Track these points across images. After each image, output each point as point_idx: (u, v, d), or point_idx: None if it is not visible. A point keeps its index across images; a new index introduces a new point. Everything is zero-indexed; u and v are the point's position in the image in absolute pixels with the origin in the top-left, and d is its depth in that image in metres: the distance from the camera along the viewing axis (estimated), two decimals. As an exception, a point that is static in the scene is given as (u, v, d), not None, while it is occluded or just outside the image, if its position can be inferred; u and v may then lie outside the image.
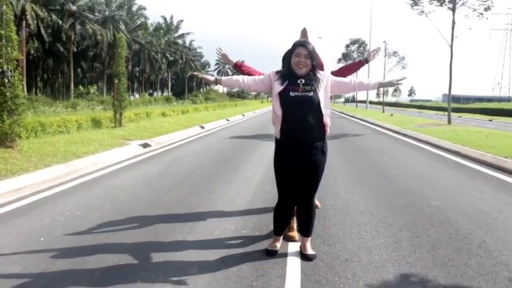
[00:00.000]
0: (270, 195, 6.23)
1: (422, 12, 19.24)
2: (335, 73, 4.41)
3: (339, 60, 64.75)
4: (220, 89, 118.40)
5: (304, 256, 3.81)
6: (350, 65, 4.73)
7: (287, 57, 3.70)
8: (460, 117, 39.99)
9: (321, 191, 6.33)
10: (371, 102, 59.05)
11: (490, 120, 34.72)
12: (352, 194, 6.34)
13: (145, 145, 12.08)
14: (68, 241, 4.23)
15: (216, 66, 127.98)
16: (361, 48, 57.94)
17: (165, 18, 75.75)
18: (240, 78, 3.86)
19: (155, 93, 75.76)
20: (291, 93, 3.59)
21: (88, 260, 3.74)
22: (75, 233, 4.49)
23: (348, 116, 36.16)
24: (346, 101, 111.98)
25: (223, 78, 3.88)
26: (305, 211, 3.90)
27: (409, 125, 19.88)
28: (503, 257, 3.84)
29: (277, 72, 3.76)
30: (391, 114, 32.87)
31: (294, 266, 3.63)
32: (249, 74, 4.46)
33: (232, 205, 5.71)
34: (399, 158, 10.33)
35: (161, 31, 72.53)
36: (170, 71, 77.11)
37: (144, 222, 4.87)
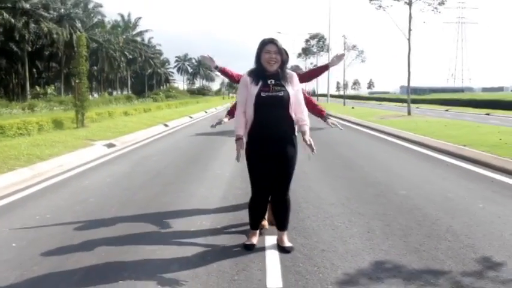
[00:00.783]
0: (241, 191, 6.28)
1: (380, 6, 19.74)
2: (301, 77, 4.50)
3: (299, 55, 65.44)
4: (180, 86, 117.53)
5: (281, 249, 3.89)
6: (314, 70, 4.91)
7: (257, 56, 3.76)
8: (418, 108, 41.24)
9: (291, 184, 6.47)
10: (331, 96, 59.98)
11: (447, 111, 36.00)
12: (322, 187, 6.48)
13: (110, 145, 11.88)
14: (41, 245, 4.13)
15: (176, 63, 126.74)
16: (321, 43, 58.79)
17: (122, 16, 74.16)
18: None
19: (114, 92, 74.08)
20: (262, 94, 3.67)
21: (65, 263, 3.68)
22: (49, 236, 4.39)
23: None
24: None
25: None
26: (280, 205, 3.98)
27: (370, 117, 20.37)
28: (469, 240, 4.04)
29: (249, 74, 3.81)
30: (353, 107, 33.55)
31: (273, 258, 3.69)
32: (233, 80, 4.58)
33: (205, 202, 5.72)
34: (364, 150, 10.61)
35: (119, 29, 70.99)
36: (129, 70, 75.57)
37: (118, 223, 4.81)
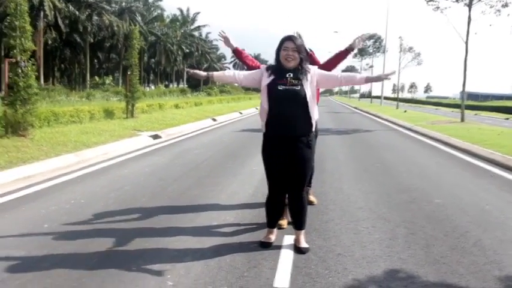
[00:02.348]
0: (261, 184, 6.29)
1: (438, 8, 19.00)
2: (324, 65, 4.42)
3: (355, 56, 64.25)
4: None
5: (297, 249, 3.88)
6: (337, 55, 4.64)
7: (276, 52, 3.76)
8: (476, 114, 39.45)
9: (323, 186, 6.42)
10: (386, 98, 58.46)
11: (507, 119, 34.20)
12: (354, 190, 6.37)
13: (155, 136, 12.23)
14: (70, 228, 4.37)
15: (232, 59, 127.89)
16: (377, 43, 57.50)
17: (181, 10, 75.86)
18: (231, 73, 3.95)
19: (171, 85, 76.04)
20: (279, 87, 3.67)
21: (88, 246, 3.86)
22: (78, 220, 4.62)
23: (361, 111, 35.95)
24: (362, 96, 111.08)
25: (215, 73, 3.96)
26: (295, 203, 3.96)
27: (421, 122, 19.70)
28: (496, 256, 3.85)
29: (267, 67, 3.83)
30: (405, 111, 32.56)
31: (286, 258, 3.69)
32: (246, 63, 4.61)
33: (234, 197, 5.79)
34: (406, 155, 10.30)
35: (177, 23, 72.68)
36: (186, 63, 77.25)
37: (145, 212, 4.98)
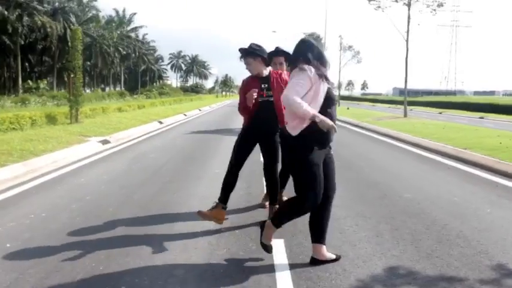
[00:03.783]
0: (243, 192, 6.14)
1: (379, 7, 19.66)
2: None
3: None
4: (173, 83, 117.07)
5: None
6: None
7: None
8: (411, 110, 41.25)
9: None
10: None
11: (440, 113, 36.07)
12: (324, 188, 6.33)
13: (104, 141, 11.67)
14: (37, 246, 3.96)
15: (170, 61, 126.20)
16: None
17: (117, 11, 73.71)
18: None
19: (107, 88, 73.55)
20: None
21: (63, 267, 3.50)
22: (44, 237, 4.22)
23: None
24: None
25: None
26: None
27: (366, 118, 20.32)
28: (482, 246, 3.93)
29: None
30: (348, 108, 33.51)
31: (282, 263, 3.55)
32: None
33: (205, 202, 5.53)
34: (362, 151, 10.50)
35: (113, 24, 70.51)
36: (123, 66, 75.08)
37: (117, 223, 4.65)
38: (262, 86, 4.53)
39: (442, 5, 18.25)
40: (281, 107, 4.29)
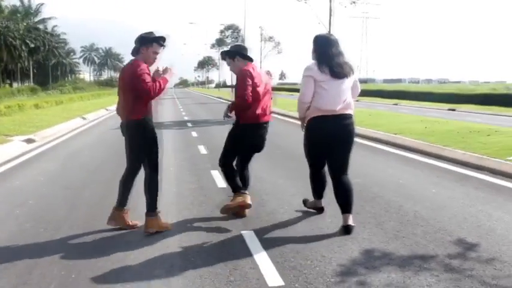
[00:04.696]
0: (195, 185, 6.07)
1: (301, -1, 20.13)
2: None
3: (212, 46, 65.01)
4: (86, 77, 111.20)
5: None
6: None
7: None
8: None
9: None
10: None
11: (357, 101, 37.76)
12: (275, 177, 6.44)
13: (29, 140, 10.87)
14: None
15: (82, 54, 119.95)
16: (235, 34, 58.79)
17: (22, 1, 68.33)
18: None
19: (15, 84, 68.28)
20: None
21: (31, 279, 3.21)
22: (-5, 247, 3.86)
23: (228, 100, 36.53)
24: (217, 86, 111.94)
25: None
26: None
27: (293, 108, 20.76)
28: (439, 224, 4.21)
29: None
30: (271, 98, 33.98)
31: (260, 255, 3.54)
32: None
33: (161, 199, 5.34)
34: (297, 140, 10.70)
35: (18, 15, 65.38)
36: (32, 59, 70.05)
37: (73, 227, 4.37)
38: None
39: (361, -2, 19.17)
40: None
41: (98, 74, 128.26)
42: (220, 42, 63.73)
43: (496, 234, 3.93)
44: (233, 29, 57.83)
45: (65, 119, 16.40)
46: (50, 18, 72.70)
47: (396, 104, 30.46)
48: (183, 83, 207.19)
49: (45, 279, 3.21)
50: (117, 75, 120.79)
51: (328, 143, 4.20)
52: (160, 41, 4.15)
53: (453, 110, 23.79)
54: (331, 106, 4.04)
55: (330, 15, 19.80)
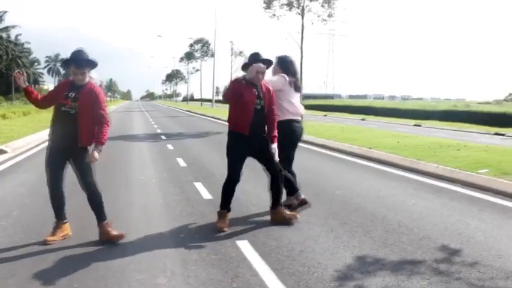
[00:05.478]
0: (181, 197, 6.13)
1: (274, 15, 20.58)
2: None
3: (181, 60, 64.92)
4: (51, 88, 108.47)
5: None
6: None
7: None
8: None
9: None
10: (217, 101, 60.22)
11: (325, 116, 38.60)
12: (257, 190, 6.55)
13: (0, 151, 10.61)
14: None
15: (46, 64, 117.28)
16: (205, 48, 59.09)
17: (-16, 9, 66.40)
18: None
19: (-27, 94, 65.92)
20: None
21: None
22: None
23: (197, 114, 36.58)
24: (184, 99, 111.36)
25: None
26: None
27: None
28: (423, 232, 4.45)
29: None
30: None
31: (259, 263, 3.66)
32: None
33: (148, 210, 5.46)
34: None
35: (-20, 22, 63.49)
36: (-8, 68, 67.93)
37: (66, 238, 4.35)
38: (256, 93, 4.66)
39: (332, 16, 19.77)
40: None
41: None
42: (189, 55, 63.85)
43: (476, 241, 4.20)
44: (203, 42, 58.15)
45: (34, 130, 16.06)
46: (13, 27, 70.92)
47: (364, 120, 31.27)
48: (150, 96, 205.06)
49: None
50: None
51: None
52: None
53: (419, 125, 24.66)
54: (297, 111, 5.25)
55: (302, 31, 20.31)
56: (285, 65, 5.33)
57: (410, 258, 3.76)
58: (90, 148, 4.24)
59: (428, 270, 3.48)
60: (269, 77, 5.11)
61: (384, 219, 4.95)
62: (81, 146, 4.20)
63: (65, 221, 4.45)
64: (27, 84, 4.32)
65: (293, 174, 5.31)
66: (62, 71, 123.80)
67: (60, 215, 4.44)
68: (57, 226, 4.35)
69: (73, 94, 4.13)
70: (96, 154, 4.17)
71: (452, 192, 6.28)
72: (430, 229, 4.56)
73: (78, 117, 4.11)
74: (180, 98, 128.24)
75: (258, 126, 4.65)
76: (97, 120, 4.20)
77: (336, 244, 4.12)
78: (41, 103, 4.42)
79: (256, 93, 4.61)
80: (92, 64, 4.25)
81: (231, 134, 4.76)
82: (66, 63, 4.24)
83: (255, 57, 4.66)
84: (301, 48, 20.62)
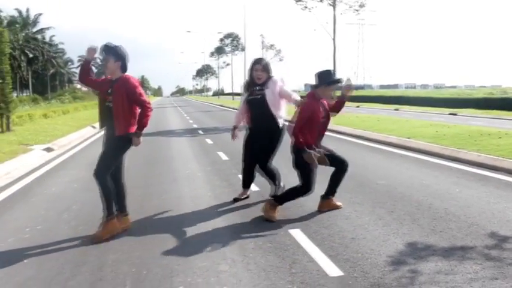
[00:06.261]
0: (228, 189, 6.32)
1: (306, 7, 20.56)
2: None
3: (212, 55, 65.27)
4: (84, 87, 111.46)
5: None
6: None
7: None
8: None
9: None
10: (238, 94, 60.18)
11: (358, 107, 38.26)
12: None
13: (48, 149, 11.15)
14: (38, 265, 3.85)
15: (79, 64, 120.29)
16: (235, 42, 59.37)
17: (20, 11, 68.64)
18: (238, 115, 5.77)
19: (14, 94, 68.41)
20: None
21: (104, 276, 3.52)
22: (63, 249, 4.13)
23: (229, 108, 36.89)
24: (215, 94, 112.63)
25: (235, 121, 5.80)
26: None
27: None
28: (471, 219, 4.52)
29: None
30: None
31: (313, 250, 3.84)
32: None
33: (199, 202, 5.68)
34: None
35: (17, 25, 65.68)
36: (30, 69, 70.28)
37: (128, 230, 4.64)
38: None
39: (364, 6, 19.62)
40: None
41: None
42: (219, 50, 64.27)
43: (525, 227, 4.25)
44: (233, 37, 58.43)
45: (76, 128, 16.68)
46: (48, 29, 73.09)
47: (397, 110, 30.87)
48: (180, 91, 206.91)
49: (118, 275, 3.49)
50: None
51: None
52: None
53: (454, 114, 24.23)
54: None
55: (334, 22, 20.22)
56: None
57: (461, 244, 3.86)
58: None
59: (479, 256, 3.57)
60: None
61: (430, 207, 5.03)
62: (117, 136, 4.41)
63: (125, 213, 4.71)
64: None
65: (274, 170, 5.60)
66: (95, 70, 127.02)
67: (121, 207, 4.68)
68: (118, 219, 4.58)
69: (110, 89, 4.42)
70: (138, 138, 4.45)
71: (496, 181, 6.27)
72: (477, 216, 4.63)
73: (113, 109, 4.36)
74: (211, 93, 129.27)
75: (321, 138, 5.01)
76: (140, 107, 4.44)
77: (386, 232, 4.25)
78: (88, 81, 4.65)
79: (322, 109, 4.81)
80: (114, 52, 4.43)
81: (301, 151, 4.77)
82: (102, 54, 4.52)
83: (328, 78, 4.86)
84: (334, 39, 20.56)
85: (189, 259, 3.76)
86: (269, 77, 5.36)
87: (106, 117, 4.48)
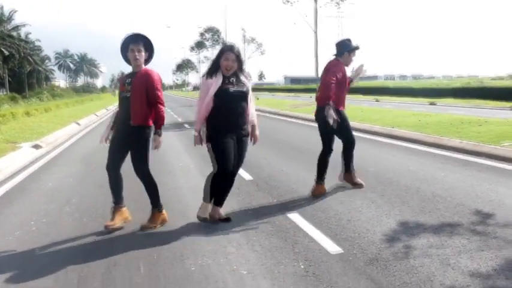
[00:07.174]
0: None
1: (288, 1, 20.80)
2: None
3: (192, 49, 64.86)
4: (62, 84, 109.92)
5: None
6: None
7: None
8: (311, 97, 43.71)
9: (264, 171, 6.82)
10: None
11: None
12: (293, 169, 6.97)
13: (36, 146, 11.12)
14: (50, 254, 4.01)
15: (57, 60, 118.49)
16: (216, 36, 59.06)
17: (-6, 8, 67.17)
18: (199, 110, 4.80)
19: (-10, 93, 67.02)
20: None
21: (117, 264, 3.70)
22: (76, 243, 4.29)
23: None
24: (195, 88, 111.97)
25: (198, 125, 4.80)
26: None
27: (283, 107, 21.42)
28: (456, 200, 4.84)
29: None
30: (258, 98, 34.53)
31: (313, 231, 4.09)
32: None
33: (198, 192, 5.66)
34: (300, 135, 11.34)
35: (-9, 22, 64.29)
36: (6, 67, 68.87)
37: (131, 221, 4.79)
38: None
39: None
40: None
41: (73, 80, 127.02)
42: (200, 44, 63.84)
43: (506, 205, 4.59)
44: (213, 31, 58.11)
45: (61, 125, 16.59)
46: (24, 26, 71.69)
47: (378, 100, 31.35)
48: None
49: (131, 260, 3.67)
50: (92, 80, 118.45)
51: None
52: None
53: (434, 104, 24.78)
54: None
55: (316, 16, 20.50)
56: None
57: (449, 222, 4.16)
58: (146, 131, 4.55)
59: (467, 231, 3.87)
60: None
61: (418, 190, 5.33)
62: (133, 125, 4.44)
63: (122, 205, 4.70)
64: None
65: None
66: (73, 67, 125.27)
67: (118, 199, 4.73)
68: (115, 211, 4.63)
69: (129, 80, 4.47)
70: (159, 138, 4.55)
71: (478, 165, 6.63)
72: (463, 197, 4.94)
73: (131, 98, 4.40)
74: (190, 88, 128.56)
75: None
76: (152, 101, 4.45)
77: (379, 213, 4.52)
78: None
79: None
80: (148, 43, 4.51)
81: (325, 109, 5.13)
82: (122, 49, 4.50)
83: (349, 45, 5.42)
84: (316, 32, 20.86)
85: (196, 243, 3.96)
86: (240, 70, 4.47)
87: (123, 107, 4.51)
